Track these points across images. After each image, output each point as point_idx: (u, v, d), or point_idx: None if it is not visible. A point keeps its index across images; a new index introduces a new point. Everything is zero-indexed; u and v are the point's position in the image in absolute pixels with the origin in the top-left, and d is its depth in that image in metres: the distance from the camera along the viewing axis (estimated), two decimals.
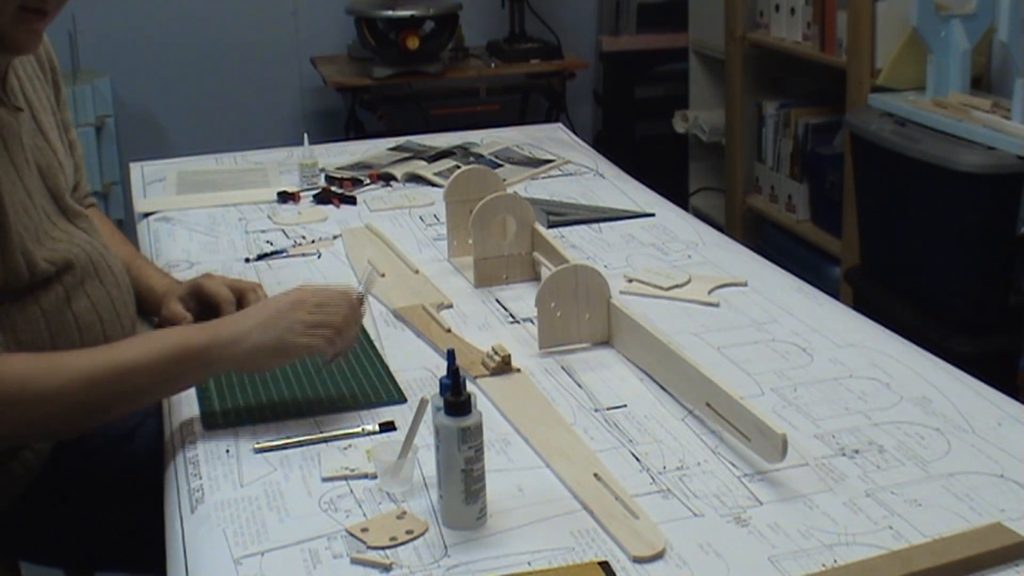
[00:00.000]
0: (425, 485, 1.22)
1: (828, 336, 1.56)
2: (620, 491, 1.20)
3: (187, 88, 4.11)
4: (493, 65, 3.96)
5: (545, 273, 1.61)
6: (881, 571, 1.05)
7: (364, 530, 1.14)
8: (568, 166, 2.43)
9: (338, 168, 2.40)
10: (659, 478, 1.23)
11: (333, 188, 2.26)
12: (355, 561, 1.10)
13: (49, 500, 1.50)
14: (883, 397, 1.39)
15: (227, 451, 1.31)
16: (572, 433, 1.33)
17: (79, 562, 1.67)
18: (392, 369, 1.50)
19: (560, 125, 2.88)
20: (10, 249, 1.38)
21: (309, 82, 4.18)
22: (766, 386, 1.43)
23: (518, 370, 1.48)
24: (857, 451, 1.27)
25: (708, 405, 1.32)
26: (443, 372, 1.15)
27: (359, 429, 1.34)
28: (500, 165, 2.39)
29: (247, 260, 1.92)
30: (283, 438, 1.32)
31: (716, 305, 1.68)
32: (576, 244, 1.95)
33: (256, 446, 1.31)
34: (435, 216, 2.11)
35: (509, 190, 1.89)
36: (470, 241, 1.78)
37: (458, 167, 2.22)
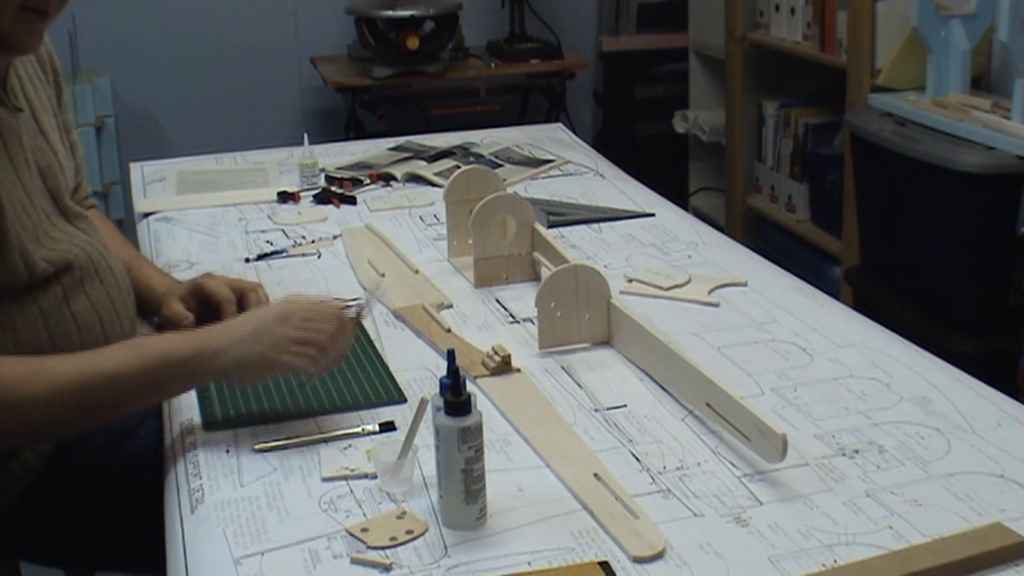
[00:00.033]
0: (425, 485, 1.22)
1: (828, 336, 1.56)
2: (620, 491, 1.20)
3: (187, 88, 4.11)
4: (493, 65, 3.96)
5: (545, 273, 1.61)
6: (881, 571, 1.05)
7: (364, 530, 1.14)
8: (568, 166, 2.43)
9: (338, 168, 2.40)
10: (659, 478, 1.23)
11: (333, 188, 2.26)
12: (355, 561, 1.10)
13: (49, 500, 1.50)
14: (883, 397, 1.39)
15: (227, 451, 1.31)
16: (572, 433, 1.33)
17: (79, 562, 1.67)
18: (392, 369, 1.50)
19: (560, 125, 2.88)
20: (8, 249, 1.38)
21: (309, 82, 4.18)
22: (766, 386, 1.43)
23: (518, 370, 1.48)
24: (857, 451, 1.27)
25: (708, 405, 1.32)
26: (443, 372, 1.15)
27: (359, 429, 1.34)
28: (500, 165, 2.39)
29: (247, 260, 1.92)
30: (283, 438, 1.32)
31: (716, 305, 1.68)
32: (576, 244, 1.95)
33: (256, 446, 1.31)
34: (435, 216, 2.11)
35: (509, 190, 1.90)
36: (470, 241, 1.78)
37: (458, 167, 2.22)
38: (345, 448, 1.31)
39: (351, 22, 3.88)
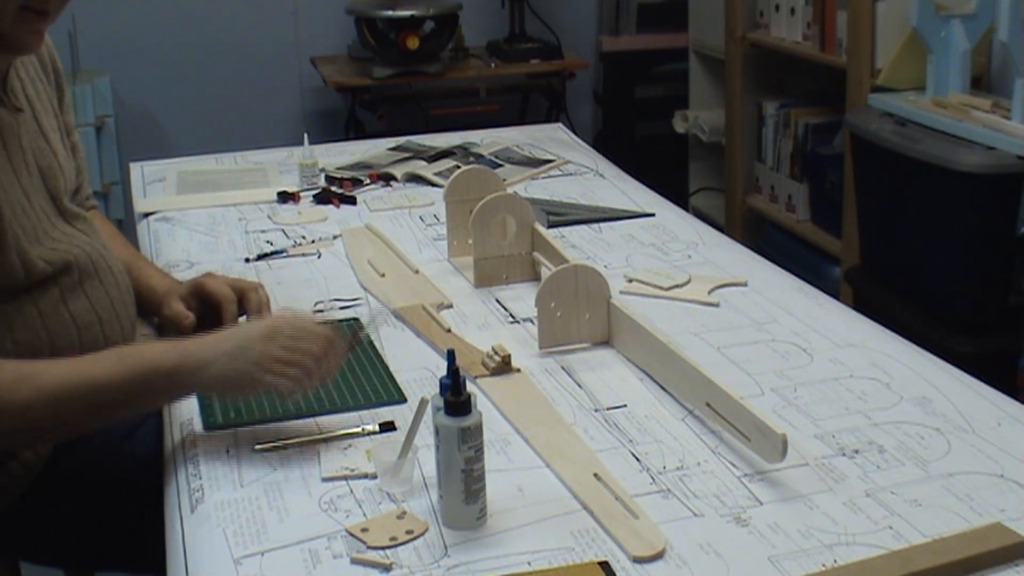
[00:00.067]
0: (425, 485, 1.22)
1: (828, 336, 1.56)
2: (620, 491, 1.20)
3: (187, 88, 4.11)
4: (493, 65, 3.96)
5: (545, 273, 1.61)
6: (881, 571, 1.05)
7: (364, 530, 1.14)
8: (568, 166, 2.43)
9: (338, 168, 2.40)
10: (659, 478, 1.23)
11: (333, 188, 2.26)
12: (355, 561, 1.10)
13: (49, 500, 1.50)
14: (883, 397, 1.39)
15: (227, 451, 1.31)
16: (572, 433, 1.33)
17: (79, 562, 1.67)
18: (392, 369, 1.50)
19: (560, 125, 2.88)
20: (5, 249, 1.38)
21: (309, 82, 4.18)
22: (766, 386, 1.43)
23: (518, 370, 1.48)
24: (857, 451, 1.27)
25: (708, 405, 1.32)
26: (443, 372, 1.15)
27: (359, 429, 1.34)
28: (500, 165, 2.39)
29: (247, 260, 1.92)
30: (283, 438, 1.32)
31: (716, 305, 1.68)
32: (576, 244, 1.95)
33: (256, 446, 1.31)
34: (435, 216, 2.11)
35: (509, 190, 1.90)
36: (470, 241, 1.78)
37: (458, 167, 2.22)
38: (345, 448, 1.31)
39: (351, 22, 3.88)
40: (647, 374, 1.47)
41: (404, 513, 1.17)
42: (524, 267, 1.79)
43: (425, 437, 1.24)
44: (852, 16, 2.94)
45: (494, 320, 1.67)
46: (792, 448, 1.22)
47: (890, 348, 1.53)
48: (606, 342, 1.56)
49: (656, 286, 1.74)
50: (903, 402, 1.38)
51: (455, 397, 1.13)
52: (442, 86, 3.99)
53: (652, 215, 2.10)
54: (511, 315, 1.68)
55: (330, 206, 2.19)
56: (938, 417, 1.34)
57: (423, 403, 1.21)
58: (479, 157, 2.46)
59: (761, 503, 1.18)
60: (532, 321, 1.59)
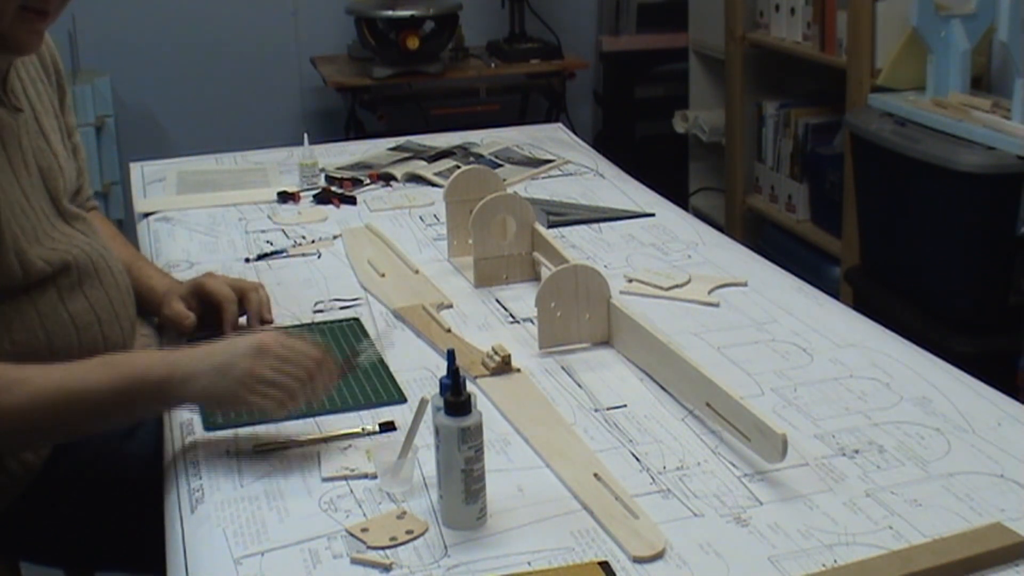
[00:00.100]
0: (425, 485, 1.22)
1: (828, 336, 1.56)
2: (620, 491, 1.20)
3: (187, 88, 4.11)
4: (493, 65, 3.96)
5: (545, 273, 1.61)
6: (881, 571, 1.05)
7: (364, 530, 1.14)
8: (568, 166, 2.43)
9: (338, 168, 2.40)
10: (659, 478, 1.23)
11: (333, 188, 2.26)
12: (355, 561, 1.10)
13: (49, 500, 1.50)
14: (883, 397, 1.39)
15: (227, 451, 1.31)
16: (572, 433, 1.33)
17: (79, 562, 1.67)
18: (392, 369, 1.50)
19: (560, 125, 2.88)
20: (3, 249, 1.38)
21: (309, 82, 4.18)
22: (766, 386, 1.43)
23: (518, 370, 1.48)
24: (857, 451, 1.27)
25: (708, 405, 1.32)
26: (443, 372, 1.15)
27: (359, 429, 1.34)
28: (500, 165, 2.39)
29: (247, 260, 1.92)
30: (283, 438, 1.32)
31: (716, 305, 1.68)
32: (576, 244, 1.95)
33: (256, 446, 1.31)
34: (435, 216, 2.11)
35: (509, 190, 1.90)
36: (470, 241, 1.78)
37: (458, 167, 2.22)
38: (345, 448, 1.31)
39: (351, 22, 3.88)
40: (647, 374, 1.47)
41: (404, 513, 1.17)
42: (524, 267, 1.79)
43: (425, 437, 1.24)
44: (852, 16, 2.94)
45: (494, 320, 1.67)
46: (792, 448, 1.22)
47: (890, 348, 1.53)
48: (606, 342, 1.56)
49: (656, 286, 1.74)
50: (903, 402, 1.38)
51: (455, 397, 1.13)
52: (442, 86, 3.99)
53: (652, 215, 2.10)
54: (511, 315, 1.68)
55: (330, 206, 2.19)
56: (938, 417, 1.34)
57: (423, 403, 1.21)
58: (479, 157, 2.46)
59: (761, 503, 1.18)
60: (532, 321, 1.59)
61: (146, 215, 2.19)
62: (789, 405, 1.38)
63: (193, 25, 4.07)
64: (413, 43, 3.69)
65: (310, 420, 1.37)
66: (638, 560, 1.09)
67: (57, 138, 1.58)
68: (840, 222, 3.09)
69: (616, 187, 2.28)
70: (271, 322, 1.62)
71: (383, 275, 1.82)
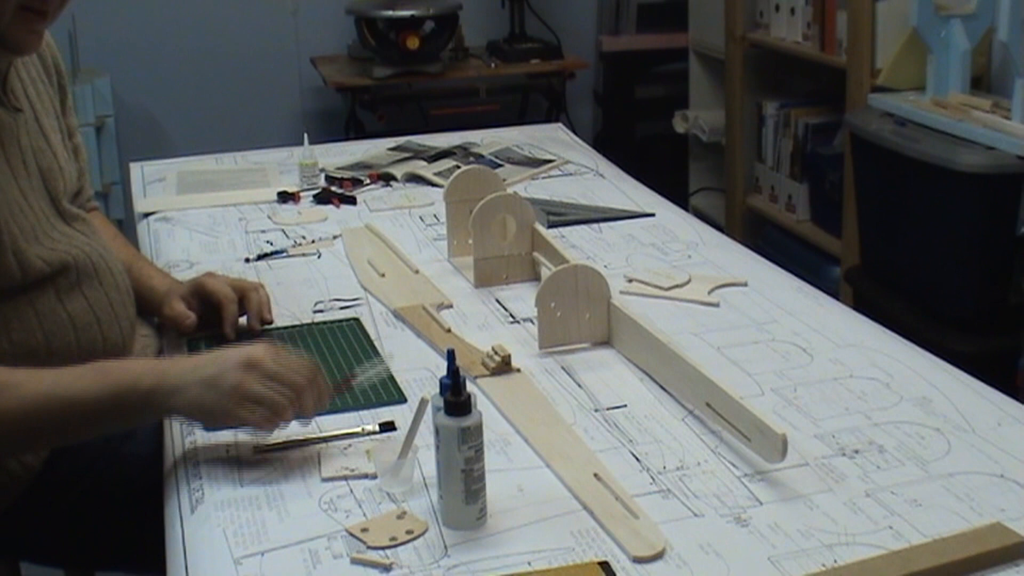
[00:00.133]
0: (425, 485, 1.22)
1: (828, 336, 1.56)
2: (620, 491, 1.20)
3: (187, 88, 4.11)
4: (493, 65, 3.96)
5: (545, 273, 1.61)
6: (881, 571, 1.05)
7: (364, 530, 1.14)
8: (568, 166, 2.43)
9: (338, 168, 2.40)
10: (659, 478, 1.23)
11: (333, 188, 2.26)
12: (355, 561, 1.10)
13: (49, 500, 1.50)
14: (883, 397, 1.39)
15: (227, 451, 1.31)
16: (572, 433, 1.33)
17: (79, 562, 1.67)
18: (392, 369, 1.50)
19: (560, 125, 2.88)
20: (1, 249, 1.38)
21: (309, 82, 4.18)
22: (766, 386, 1.43)
23: (518, 370, 1.48)
24: (857, 451, 1.27)
25: (708, 405, 1.32)
26: (443, 372, 1.15)
27: (359, 429, 1.34)
28: (500, 165, 2.39)
29: (247, 260, 1.92)
30: (283, 438, 1.32)
31: (716, 305, 1.68)
32: (576, 244, 1.95)
33: (256, 447, 1.31)
34: (435, 216, 2.11)
35: (509, 190, 1.90)
36: (470, 241, 1.78)
37: (458, 167, 2.22)
38: (345, 448, 1.31)
39: (351, 22, 3.88)
40: (647, 374, 1.47)
41: (404, 513, 1.17)
42: (524, 267, 1.79)
43: (425, 437, 1.24)
44: (852, 16, 2.94)
45: (494, 320, 1.67)
46: (792, 448, 1.22)
47: (890, 348, 1.53)
48: (606, 342, 1.56)
49: (656, 286, 1.74)
50: (903, 402, 1.38)
51: (455, 397, 1.13)
52: (442, 86, 3.99)
53: (652, 215, 2.10)
54: (511, 315, 1.68)
55: (330, 206, 2.19)
56: (938, 417, 1.34)
57: (423, 403, 1.21)
58: (479, 157, 2.46)
59: (761, 503, 1.18)
60: (532, 321, 1.59)
61: (146, 215, 2.19)
62: (789, 405, 1.38)
63: (193, 25, 4.07)
64: (413, 43, 3.69)
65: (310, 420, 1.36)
66: (638, 560, 1.09)
67: (58, 139, 1.58)
68: (840, 222, 3.09)
69: (616, 187, 2.28)
70: (271, 322, 1.63)
71: (383, 275, 1.82)
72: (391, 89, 3.87)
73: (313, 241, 2.00)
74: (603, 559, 1.09)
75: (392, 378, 1.46)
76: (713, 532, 1.13)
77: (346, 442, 1.32)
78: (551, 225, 2.02)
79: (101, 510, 1.52)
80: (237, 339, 1.57)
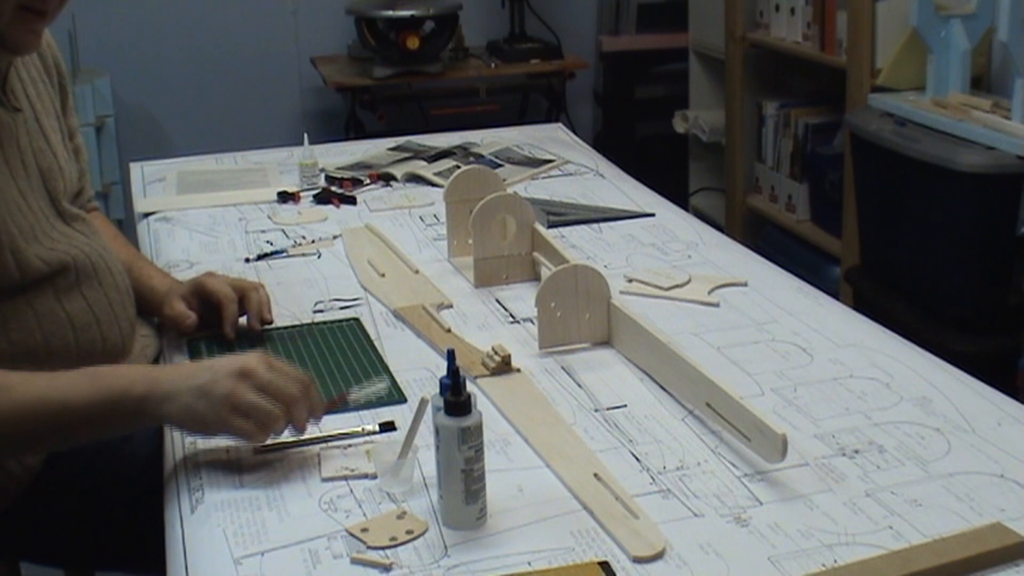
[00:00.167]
0: (425, 485, 1.22)
1: (828, 336, 1.56)
2: (620, 491, 1.20)
3: (187, 88, 4.11)
4: (493, 65, 3.96)
5: (545, 273, 1.61)
6: (881, 571, 1.05)
7: (364, 530, 1.14)
8: (568, 166, 2.43)
9: (338, 168, 2.40)
10: (659, 478, 1.23)
11: (333, 188, 2.26)
12: (355, 561, 1.10)
13: (49, 500, 1.50)
14: (883, 397, 1.39)
15: (227, 451, 1.31)
16: (572, 433, 1.33)
17: (79, 562, 1.67)
18: (392, 369, 1.50)
19: (560, 125, 2.88)
20: None
21: (309, 82, 4.18)
22: (766, 386, 1.43)
23: (518, 370, 1.48)
24: (857, 451, 1.27)
25: (708, 405, 1.32)
26: (443, 372, 1.15)
27: (359, 429, 1.34)
28: (500, 165, 2.39)
29: (247, 260, 1.92)
30: (283, 438, 1.32)
31: (716, 305, 1.68)
32: (576, 244, 1.95)
33: (256, 447, 1.31)
34: (435, 216, 2.11)
35: (509, 190, 1.90)
36: (470, 241, 1.78)
37: (458, 167, 2.22)
38: (345, 448, 1.31)
39: (351, 22, 3.88)
40: (647, 374, 1.47)
41: (404, 513, 1.17)
42: (524, 267, 1.79)
43: (425, 437, 1.24)
44: (852, 16, 2.94)
45: (494, 320, 1.67)
46: (792, 448, 1.22)
47: (890, 348, 1.53)
48: (606, 342, 1.56)
49: (656, 286, 1.74)
50: (903, 402, 1.38)
51: (455, 397, 1.13)
52: (442, 86, 3.99)
53: (652, 215, 2.10)
54: (511, 315, 1.68)
55: (330, 206, 2.19)
56: (938, 417, 1.34)
57: (423, 403, 1.21)
58: (479, 157, 2.46)
59: (761, 503, 1.18)
60: (532, 321, 1.59)
61: (146, 215, 2.19)
62: (789, 405, 1.38)
63: (193, 25, 4.07)
64: (413, 43, 3.69)
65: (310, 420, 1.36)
66: (638, 560, 1.09)
67: (58, 139, 1.58)
68: (840, 222, 3.09)
69: (616, 187, 2.28)
70: (271, 322, 1.62)
71: (383, 275, 1.82)
72: (391, 89, 3.87)
73: (313, 241, 2.00)
74: (603, 559, 1.09)
75: (390, 394, 1.44)
76: (713, 532, 1.13)
77: (346, 442, 1.32)
78: (551, 225, 2.02)
79: (101, 510, 1.52)
80: (237, 339, 1.57)
